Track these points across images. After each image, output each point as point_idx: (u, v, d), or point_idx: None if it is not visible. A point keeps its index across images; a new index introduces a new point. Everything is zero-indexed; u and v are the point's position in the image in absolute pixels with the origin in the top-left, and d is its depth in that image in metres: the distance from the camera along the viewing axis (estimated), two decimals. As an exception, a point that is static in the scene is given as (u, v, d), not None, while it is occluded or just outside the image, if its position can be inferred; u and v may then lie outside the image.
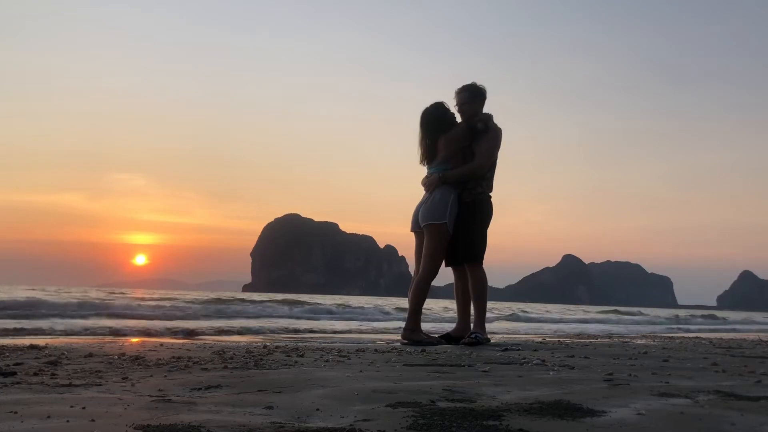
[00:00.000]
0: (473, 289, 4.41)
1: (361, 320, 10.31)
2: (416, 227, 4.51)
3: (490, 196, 4.46)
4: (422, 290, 4.39)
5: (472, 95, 4.46)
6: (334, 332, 7.03)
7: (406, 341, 4.32)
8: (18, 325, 6.04)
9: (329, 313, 11.95)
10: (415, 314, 4.37)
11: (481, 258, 4.43)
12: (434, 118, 4.41)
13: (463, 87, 4.48)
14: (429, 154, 4.46)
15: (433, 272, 4.39)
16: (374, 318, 11.29)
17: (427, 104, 4.47)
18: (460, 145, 4.38)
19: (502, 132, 4.47)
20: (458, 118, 4.49)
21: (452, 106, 4.47)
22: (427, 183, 4.43)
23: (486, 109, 4.51)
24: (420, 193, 4.56)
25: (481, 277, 4.42)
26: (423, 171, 4.55)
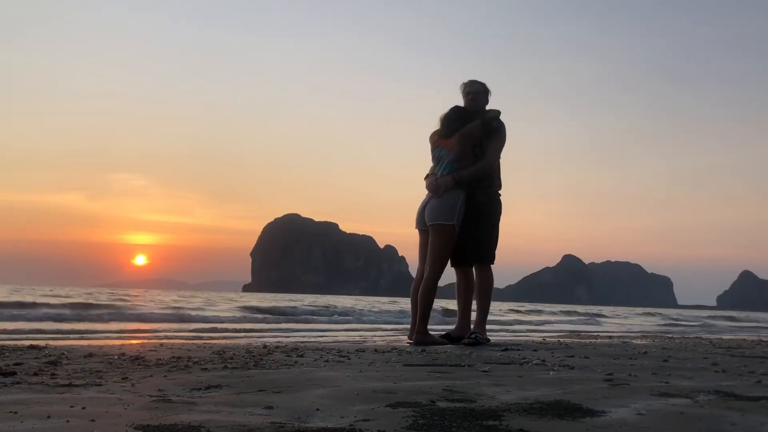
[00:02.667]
0: (480, 289, 4.40)
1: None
2: (421, 225, 4.46)
3: (499, 194, 4.47)
4: (431, 292, 4.34)
5: (486, 89, 4.53)
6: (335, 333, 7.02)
7: (417, 345, 4.19)
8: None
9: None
10: (424, 317, 4.32)
11: (493, 259, 4.42)
12: (460, 115, 4.39)
13: (476, 80, 4.54)
14: (438, 146, 4.40)
15: (439, 272, 4.35)
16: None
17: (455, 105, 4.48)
18: (473, 143, 4.32)
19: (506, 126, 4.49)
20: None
21: (462, 93, 4.51)
22: (437, 184, 4.28)
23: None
24: (416, 192, 4.54)
25: (489, 278, 4.41)
26: (422, 169, 4.52)
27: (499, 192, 4.46)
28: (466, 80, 4.55)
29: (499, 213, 4.45)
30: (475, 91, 4.47)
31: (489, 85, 4.55)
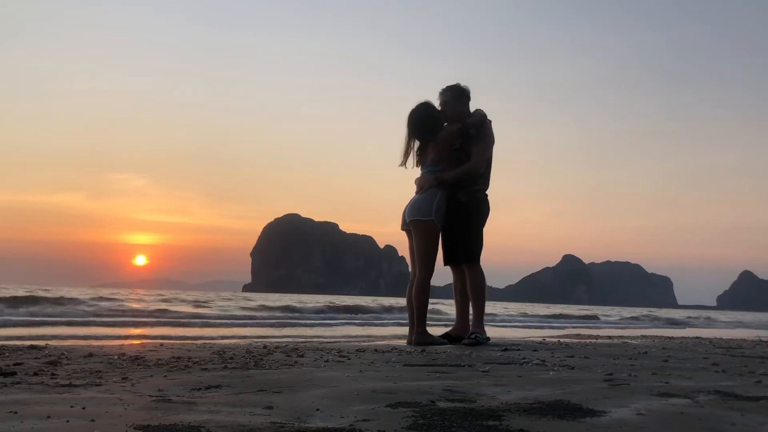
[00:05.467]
0: (472, 288, 4.40)
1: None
2: (405, 226, 4.48)
3: (486, 194, 4.47)
4: (424, 292, 4.33)
5: (456, 95, 4.47)
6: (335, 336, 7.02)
7: (417, 345, 4.18)
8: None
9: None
10: (421, 318, 4.31)
11: (479, 257, 4.42)
12: (423, 118, 4.38)
13: (447, 87, 4.51)
14: (419, 155, 4.44)
15: (430, 271, 4.34)
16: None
17: (414, 104, 4.43)
18: (451, 148, 4.35)
19: (491, 123, 4.46)
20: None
21: (438, 104, 4.48)
22: (421, 183, 4.38)
23: (483, 109, 4.52)
24: (411, 192, 4.54)
25: (480, 276, 4.41)
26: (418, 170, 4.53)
27: (486, 192, 4.45)
28: (444, 86, 4.53)
29: (484, 212, 4.44)
30: (444, 102, 4.47)
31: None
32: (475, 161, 4.33)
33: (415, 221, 4.32)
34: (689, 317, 22.86)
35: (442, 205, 4.31)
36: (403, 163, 4.47)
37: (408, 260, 4.62)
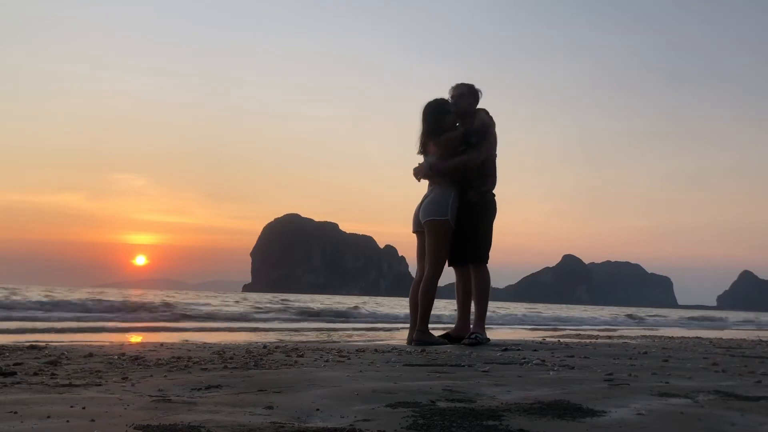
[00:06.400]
0: (476, 289, 4.40)
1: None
2: (417, 227, 4.49)
3: (494, 195, 4.47)
4: (431, 291, 4.34)
5: (470, 92, 4.51)
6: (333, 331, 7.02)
7: (417, 344, 4.18)
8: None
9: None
10: (425, 316, 4.31)
11: (487, 258, 4.43)
12: (433, 114, 4.40)
13: (463, 83, 4.54)
14: (422, 149, 4.48)
15: (439, 270, 4.35)
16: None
17: (431, 99, 4.47)
18: (453, 150, 4.36)
19: (495, 123, 4.48)
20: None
21: (449, 97, 4.49)
22: (416, 170, 4.42)
23: (486, 109, 4.53)
24: (417, 192, 4.55)
25: (485, 277, 4.42)
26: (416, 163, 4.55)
27: (493, 192, 4.46)
28: (454, 83, 4.57)
29: (493, 212, 4.45)
30: (459, 94, 4.48)
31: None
32: (475, 154, 4.31)
33: (429, 221, 4.32)
34: (734, 321, 21.80)
35: (455, 205, 4.32)
36: (420, 152, 4.52)
37: (415, 261, 4.60)
